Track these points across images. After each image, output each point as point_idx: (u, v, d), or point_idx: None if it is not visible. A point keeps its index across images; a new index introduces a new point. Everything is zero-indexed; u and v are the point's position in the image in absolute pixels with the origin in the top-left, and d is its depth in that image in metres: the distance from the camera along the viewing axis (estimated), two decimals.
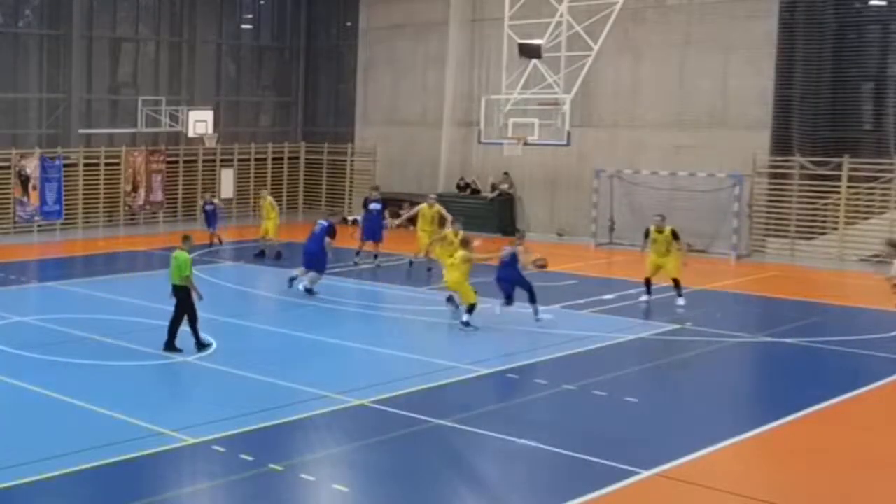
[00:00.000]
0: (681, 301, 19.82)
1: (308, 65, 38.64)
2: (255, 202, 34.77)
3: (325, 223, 21.68)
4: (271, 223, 26.18)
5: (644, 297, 20.14)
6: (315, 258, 21.15)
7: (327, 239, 21.24)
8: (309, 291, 20.78)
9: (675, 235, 19.97)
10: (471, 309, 18.17)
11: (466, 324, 18.02)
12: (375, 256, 24.92)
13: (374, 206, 25.36)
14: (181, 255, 16.05)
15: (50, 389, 13.69)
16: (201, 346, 15.93)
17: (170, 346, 15.90)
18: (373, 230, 25.09)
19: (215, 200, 28.92)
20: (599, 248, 28.28)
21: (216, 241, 28.09)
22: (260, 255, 26.25)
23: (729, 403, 14.26)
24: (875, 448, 12.25)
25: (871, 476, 11.26)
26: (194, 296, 15.90)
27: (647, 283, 20.16)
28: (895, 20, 26.98)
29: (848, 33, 27.29)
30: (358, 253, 25.04)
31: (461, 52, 33.41)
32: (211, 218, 28.15)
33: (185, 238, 16.55)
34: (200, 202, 30.16)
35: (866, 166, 26.17)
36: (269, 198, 26.78)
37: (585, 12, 27.26)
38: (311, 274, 21.03)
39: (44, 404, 13.22)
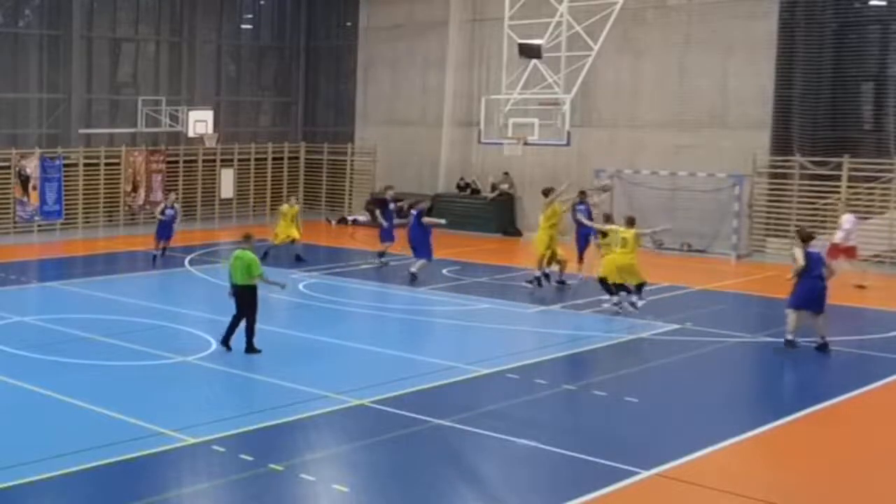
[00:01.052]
0: (639, 303, 19.24)
1: (308, 65, 38.63)
2: (255, 205, 35.00)
3: (414, 212, 22.86)
4: (295, 228, 25.74)
5: (615, 300, 19.96)
6: (417, 246, 22.59)
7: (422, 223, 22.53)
8: (412, 276, 22.24)
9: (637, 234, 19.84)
10: (640, 288, 19.15)
11: (633, 304, 19.09)
12: (381, 255, 24.80)
13: (393, 206, 25.62)
14: (245, 254, 15.71)
15: (50, 389, 13.69)
16: (251, 347, 15.79)
17: (251, 348, 15.74)
18: (390, 231, 24.97)
19: (177, 205, 27.03)
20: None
21: (161, 249, 25.63)
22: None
23: (729, 403, 14.23)
24: (875, 448, 12.25)
25: (870, 476, 11.25)
26: (277, 287, 15.95)
27: (615, 286, 19.98)
28: (895, 20, 26.97)
29: (848, 33, 27.24)
30: (382, 254, 24.90)
31: (461, 52, 33.40)
32: (170, 224, 25.72)
33: (247, 237, 16.22)
34: (162, 205, 26.60)
35: (866, 166, 26.15)
36: (298, 206, 26.62)
37: (585, 12, 27.19)
38: (419, 262, 22.44)
39: (44, 404, 13.22)
